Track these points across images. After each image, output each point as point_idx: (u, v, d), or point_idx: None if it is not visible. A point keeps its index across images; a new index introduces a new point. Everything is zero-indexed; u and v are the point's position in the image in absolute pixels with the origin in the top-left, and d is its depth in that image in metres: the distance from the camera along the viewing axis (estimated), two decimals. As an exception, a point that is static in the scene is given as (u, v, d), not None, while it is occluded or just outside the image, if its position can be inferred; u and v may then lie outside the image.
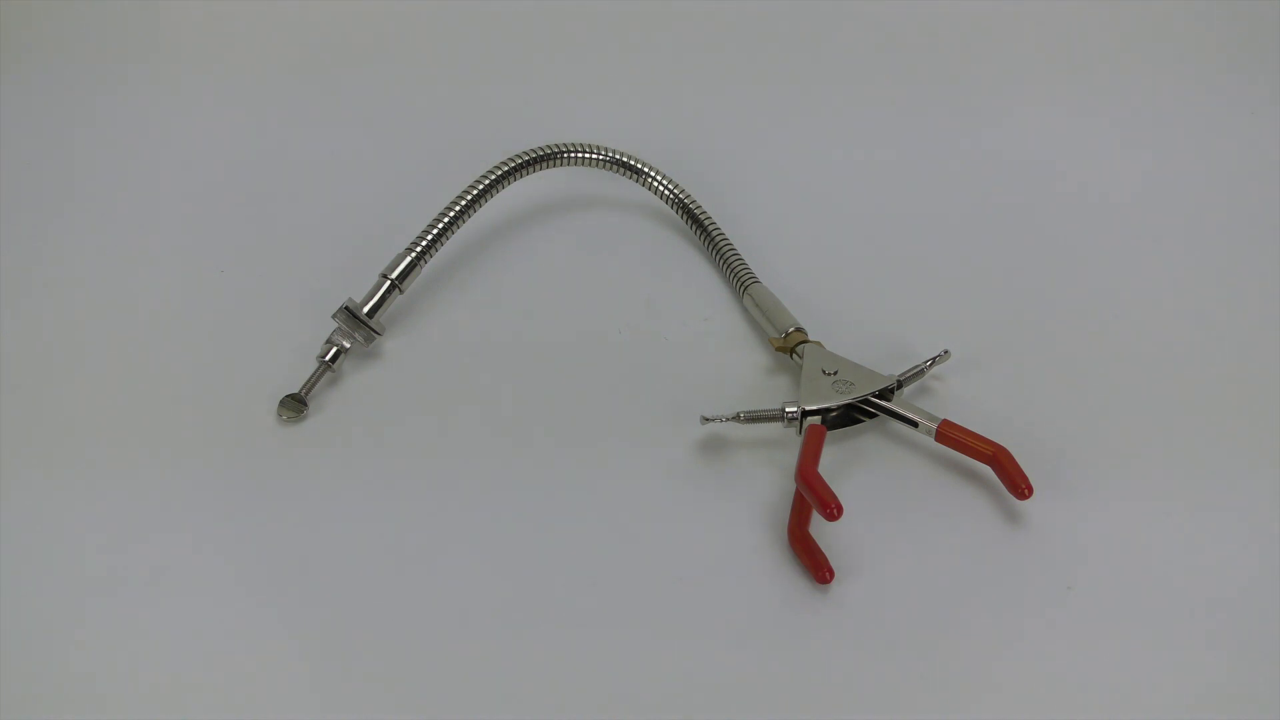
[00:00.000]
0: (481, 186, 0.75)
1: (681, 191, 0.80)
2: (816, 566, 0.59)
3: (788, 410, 0.65)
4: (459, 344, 0.74)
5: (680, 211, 0.80)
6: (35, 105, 0.88)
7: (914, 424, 0.66)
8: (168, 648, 0.58)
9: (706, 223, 0.79)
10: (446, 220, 0.74)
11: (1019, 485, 0.62)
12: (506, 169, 0.76)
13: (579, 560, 0.61)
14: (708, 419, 0.65)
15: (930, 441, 0.65)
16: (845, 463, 0.66)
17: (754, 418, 0.65)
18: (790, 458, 0.64)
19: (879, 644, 0.58)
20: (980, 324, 0.74)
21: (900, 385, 0.68)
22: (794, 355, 0.70)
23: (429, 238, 0.73)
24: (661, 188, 0.80)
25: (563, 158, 0.78)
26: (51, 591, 0.60)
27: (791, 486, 0.63)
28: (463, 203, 0.75)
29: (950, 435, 0.64)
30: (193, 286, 0.77)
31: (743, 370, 0.72)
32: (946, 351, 0.69)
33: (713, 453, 0.67)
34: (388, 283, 0.72)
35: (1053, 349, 0.73)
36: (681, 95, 0.90)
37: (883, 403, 0.67)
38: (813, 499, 0.59)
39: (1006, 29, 0.90)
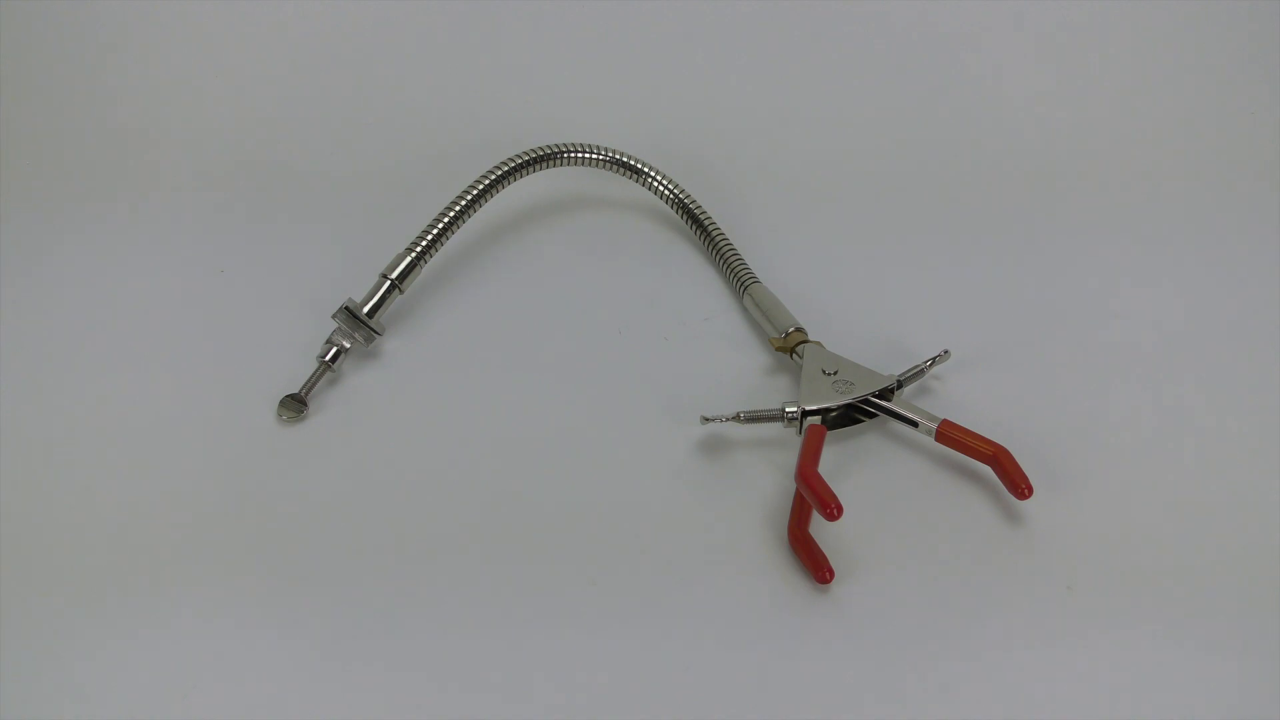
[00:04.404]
0: (482, 186, 0.75)
1: (681, 191, 0.80)
2: (816, 566, 0.59)
3: (788, 410, 0.65)
4: (459, 344, 0.74)
5: (680, 211, 0.80)
6: (35, 103, 0.88)
7: (914, 424, 0.66)
8: (167, 648, 0.58)
9: (706, 223, 0.79)
10: (447, 220, 0.74)
11: (1019, 485, 0.62)
12: (507, 169, 0.76)
13: (579, 560, 0.61)
14: (708, 419, 0.65)
15: (930, 441, 0.65)
16: (845, 463, 0.66)
17: (754, 418, 0.65)
18: (790, 458, 0.64)
19: (879, 644, 0.58)
20: (980, 324, 0.74)
21: (900, 385, 0.68)
22: (794, 355, 0.70)
23: (429, 237, 0.73)
24: (661, 188, 0.80)
25: (563, 158, 0.78)
26: (47, 594, 0.60)
27: (791, 486, 0.63)
28: (463, 202, 0.75)
29: (950, 435, 0.64)
30: (192, 286, 0.77)
31: (743, 370, 0.72)
32: (946, 351, 0.69)
33: (713, 453, 0.67)
34: (388, 283, 0.72)
35: (1052, 349, 0.73)
36: (681, 94, 0.90)
37: (883, 403, 0.67)
38: (813, 499, 0.59)
39: (1003, 23, 0.90)
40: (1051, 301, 0.76)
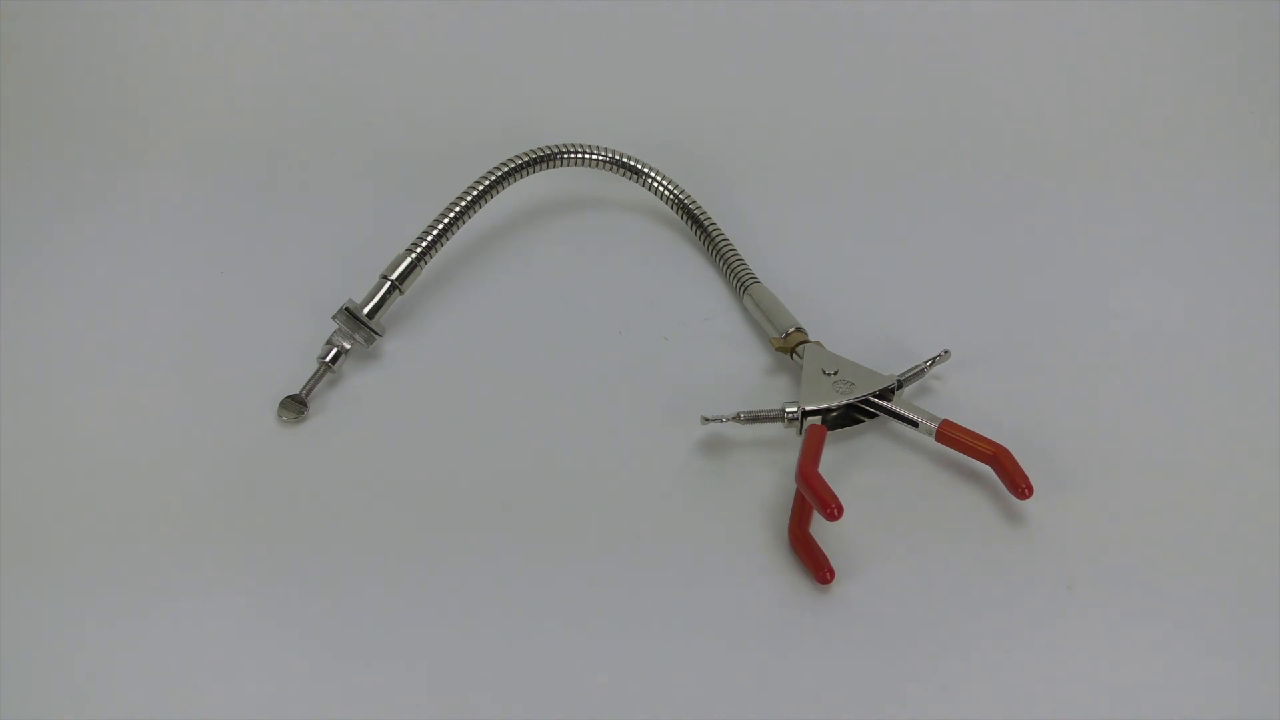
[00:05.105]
0: (482, 187, 0.75)
1: (681, 192, 0.80)
2: (817, 566, 0.59)
3: (788, 410, 0.65)
4: (459, 345, 0.74)
5: (680, 211, 0.80)
6: (35, 102, 0.88)
7: (914, 424, 0.66)
8: (167, 647, 0.58)
9: (706, 223, 0.79)
10: (447, 221, 0.74)
11: (1019, 485, 0.62)
12: (507, 169, 0.76)
13: (579, 560, 0.61)
14: (708, 419, 0.65)
15: (930, 441, 0.65)
16: (845, 463, 0.66)
17: (754, 418, 0.65)
18: (790, 458, 0.64)
19: (879, 644, 0.58)
20: (980, 324, 0.74)
21: (900, 385, 0.68)
22: (794, 355, 0.70)
23: (429, 238, 0.73)
24: (661, 188, 0.80)
25: (563, 158, 0.78)
26: (46, 592, 0.60)
27: (792, 487, 0.63)
28: (463, 203, 0.75)
29: (950, 435, 0.64)
30: (193, 287, 0.77)
31: (743, 370, 0.72)
32: (946, 351, 0.69)
33: (713, 453, 0.67)
34: (388, 283, 0.72)
35: (1053, 348, 0.73)
36: (681, 94, 0.90)
37: (883, 403, 0.67)
38: (813, 499, 0.59)
39: (1004, 21, 0.90)
40: (1052, 301, 0.76)
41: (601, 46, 0.91)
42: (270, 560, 0.62)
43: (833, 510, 0.57)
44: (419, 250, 0.73)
